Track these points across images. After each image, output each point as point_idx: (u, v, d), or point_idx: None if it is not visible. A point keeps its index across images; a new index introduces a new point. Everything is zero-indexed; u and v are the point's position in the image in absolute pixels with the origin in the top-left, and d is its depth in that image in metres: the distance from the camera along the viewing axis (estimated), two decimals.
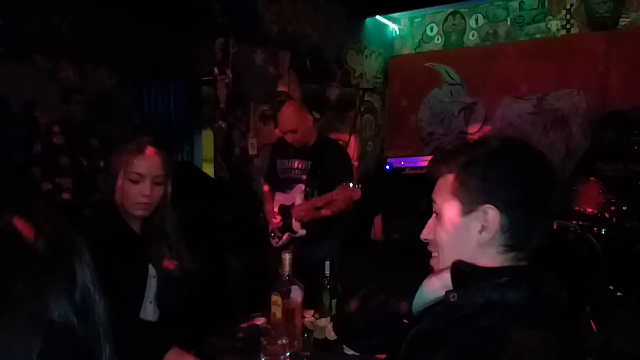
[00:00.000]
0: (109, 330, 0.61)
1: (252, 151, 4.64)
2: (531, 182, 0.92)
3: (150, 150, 1.67)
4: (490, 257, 0.93)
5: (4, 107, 4.46)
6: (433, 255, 1.03)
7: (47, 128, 4.06)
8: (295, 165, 2.94)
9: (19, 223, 0.56)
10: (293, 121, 2.81)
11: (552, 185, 0.95)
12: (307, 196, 2.86)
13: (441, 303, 0.96)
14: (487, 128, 5.70)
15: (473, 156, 0.94)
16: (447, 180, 0.98)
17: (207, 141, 6.21)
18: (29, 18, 4.60)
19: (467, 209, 0.93)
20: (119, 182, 1.65)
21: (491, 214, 0.90)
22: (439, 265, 0.99)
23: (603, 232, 3.79)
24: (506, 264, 0.93)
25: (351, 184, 2.60)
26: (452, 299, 0.92)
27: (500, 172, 0.92)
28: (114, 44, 5.11)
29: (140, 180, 1.64)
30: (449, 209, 0.96)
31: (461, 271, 0.94)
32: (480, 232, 0.92)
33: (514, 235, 0.91)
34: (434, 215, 1.03)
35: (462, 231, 0.94)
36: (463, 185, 0.94)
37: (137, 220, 1.71)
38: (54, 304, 0.55)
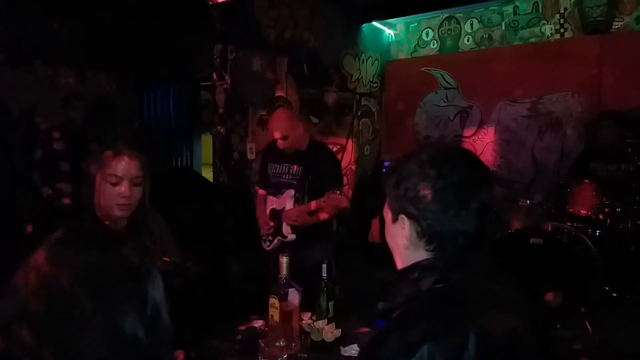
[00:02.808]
0: (171, 342, 0.68)
1: (250, 155, 4.67)
2: (435, 200, 1.01)
3: (126, 153, 1.69)
4: (420, 255, 1.04)
5: (4, 113, 4.49)
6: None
7: (47, 134, 4.08)
8: (287, 169, 2.95)
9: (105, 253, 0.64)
10: (284, 128, 2.83)
11: (463, 191, 1.02)
12: (297, 201, 2.87)
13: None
14: (483, 131, 5.75)
15: (392, 173, 1.10)
16: (387, 190, 1.13)
17: (206, 145, 6.25)
18: (29, 24, 4.63)
19: (394, 217, 1.08)
20: (97, 184, 1.68)
21: (406, 222, 1.05)
22: (398, 265, 1.12)
23: (598, 234, 3.83)
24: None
25: (339, 192, 2.62)
26: (380, 307, 1.05)
27: (407, 188, 1.04)
28: (113, 49, 5.15)
29: (119, 182, 1.67)
30: (387, 217, 1.12)
31: (387, 282, 1.10)
32: (404, 236, 1.06)
33: (431, 239, 1.02)
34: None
35: (396, 235, 1.09)
36: (389, 198, 1.10)
37: (120, 221, 1.73)
38: (128, 319, 0.62)
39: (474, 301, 0.97)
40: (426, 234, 1.02)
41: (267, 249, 3.00)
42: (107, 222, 1.70)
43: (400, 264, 1.10)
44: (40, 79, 4.76)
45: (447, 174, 1.02)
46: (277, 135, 2.84)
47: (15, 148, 4.45)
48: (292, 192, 2.91)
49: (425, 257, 1.04)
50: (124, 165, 1.67)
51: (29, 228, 3.57)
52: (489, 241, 1.11)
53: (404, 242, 1.06)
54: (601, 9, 5.11)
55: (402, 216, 1.05)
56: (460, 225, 1.00)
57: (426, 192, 1.01)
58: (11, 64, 4.53)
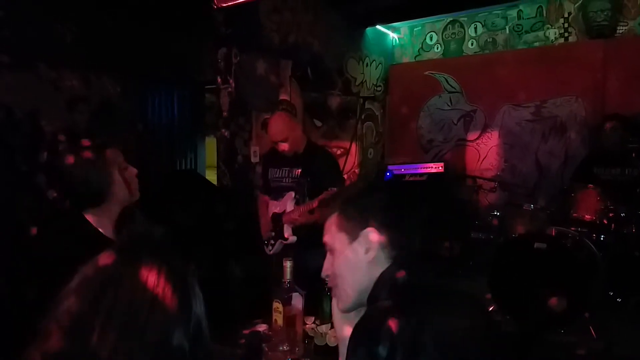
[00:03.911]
0: (213, 353, 0.73)
1: (254, 159, 4.67)
2: (398, 204, 1.14)
3: None
4: (380, 271, 1.12)
5: (8, 116, 4.51)
6: (333, 289, 1.22)
7: (53, 136, 4.10)
8: (286, 173, 3.00)
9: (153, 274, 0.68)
10: (284, 130, 2.87)
11: (417, 202, 1.17)
12: (298, 203, 2.91)
13: None
14: (487, 135, 5.74)
15: (348, 194, 1.20)
16: (332, 220, 1.20)
17: (210, 148, 6.25)
18: (33, 27, 4.66)
19: (353, 237, 1.14)
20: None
21: (372, 236, 1.11)
22: (340, 295, 1.19)
23: (602, 239, 3.82)
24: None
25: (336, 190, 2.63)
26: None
27: (371, 202, 1.14)
28: (117, 52, 5.16)
29: None
30: (339, 242, 1.16)
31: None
32: (366, 253, 1.12)
33: (394, 248, 1.11)
34: (327, 254, 1.22)
35: (353, 256, 1.14)
36: (345, 219, 1.16)
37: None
38: (175, 332, 0.66)
39: (428, 302, 1.06)
40: (396, 245, 1.12)
41: (270, 253, 3.02)
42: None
43: (351, 289, 1.16)
44: (44, 82, 4.77)
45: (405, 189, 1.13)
46: (276, 137, 2.87)
47: (19, 150, 4.47)
48: (293, 194, 2.94)
49: (379, 270, 1.11)
50: None
51: (34, 230, 3.59)
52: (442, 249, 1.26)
53: (364, 258, 1.13)
54: (605, 13, 5.11)
55: (366, 231, 1.12)
56: (415, 237, 1.12)
57: (386, 207, 1.13)
58: (15, 67, 4.55)
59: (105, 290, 0.67)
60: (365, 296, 1.15)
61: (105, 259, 0.71)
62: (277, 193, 3.02)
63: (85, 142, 1.62)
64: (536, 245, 3.54)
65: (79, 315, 0.65)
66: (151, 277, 0.68)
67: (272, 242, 3.01)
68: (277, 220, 2.97)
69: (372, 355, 0.97)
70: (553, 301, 3.40)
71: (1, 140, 4.42)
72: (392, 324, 0.99)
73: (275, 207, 3.02)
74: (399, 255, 1.13)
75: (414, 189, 5.26)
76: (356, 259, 1.14)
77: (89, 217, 1.65)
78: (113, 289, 0.67)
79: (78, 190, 1.61)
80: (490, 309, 3.68)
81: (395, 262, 1.13)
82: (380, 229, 1.12)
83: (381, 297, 1.11)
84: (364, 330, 1.03)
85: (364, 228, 1.13)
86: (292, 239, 2.93)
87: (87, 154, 1.59)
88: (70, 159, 1.58)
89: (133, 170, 1.72)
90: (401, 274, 1.10)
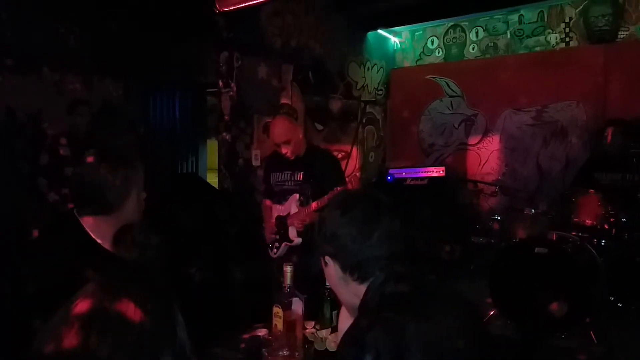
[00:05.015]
0: None
1: (255, 162, 4.68)
2: (345, 235, 1.19)
3: None
4: (353, 287, 1.20)
5: (11, 118, 4.53)
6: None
7: (54, 139, 4.11)
8: (289, 176, 3.02)
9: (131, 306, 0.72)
10: (287, 132, 2.89)
11: (365, 224, 1.19)
12: (302, 204, 2.92)
13: None
14: (488, 139, 5.74)
15: (317, 225, 1.29)
16: None
17: (211, 151, 6.27)
18: (36, 30, 4.67)
19: (324, 261, 1.26)
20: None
21: (330, 262, 1.23)
22: (341, 302, 1.33)
23: (603, 244, 3.82)
24: (363, 288, 1.19)
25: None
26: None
27: (324, 232, 1.23)
28: (119, 56, 5.18)
29: None
30: (322, 261, 1.28)
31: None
32: (334, 275, 1.24)
33: (353, 271, 1.19)
34: None
35: (329, 277, 1.28)
36: (318, 247, 1.27)
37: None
38: (164, 355, 0.71)
39: (414, 311, 1.09)
40: (347, 266, 1.19)
41: (274, 256, 3.03)
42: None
43: (341, 300, 1.29)
44: (47, 85, 4.79)
45: (349, 212, 1.20)
46: (279, 139, 2.88)
47: (21, 153, 4.48)
48: (297, 196, 2.96)
49: (356, 288, 1.19)
50: None
51: (35, 233, 3.60)
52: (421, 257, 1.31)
53: (335, 280, 1.24)
54: (606, 18, 5.12)
55: (327, 258, 1.23)
56: (371, 252, 1.17)
57: (337, 231, 1.20)
58: (18, 70, 4.57)
59: (95, 322, 0.70)
60: (357, 305, 1.20)
61: (90, 292, 0.75)
62: (281, 196, 3.04)
63: (122, 158, 1.69)
64: (537, 249, 3.54)
65: (70, 341, 0.68)
66: (137, 308, 0.72)
67: (277, 245, 3.02)
68: (282, 223, 2.98)
69: None
70: (554, 306, 3.39)
71: (3, 142, 4.43)
72: (377, 332, 1.03)
73: (279, 210, 3.03)
74: (387, 266, 1.17)
75: (413, 193, 5.26)
76: (331, 277, 1.26)
77: (91, 222, 1.65)
78: (101, 321, 0.70)
79: (93, 194, 1.63)
80: (491, 313, 3.68)
81: (385, 272, 1.17)
82: (333, 256, 1.22)
83: (370, 305, 1.15)
84: (350, 339, 1.08)
85: (324, 255, 1.25)
86: (297, 240, 2.95)
87: (119, 167, 1.65)
88: (99, 166, 1.62)
89: (144, 194, 1.78)
90: (389, 285, 1.15)
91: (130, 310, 0.71)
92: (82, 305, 0.71)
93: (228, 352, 1.81)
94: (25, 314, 1.49)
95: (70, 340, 0.67)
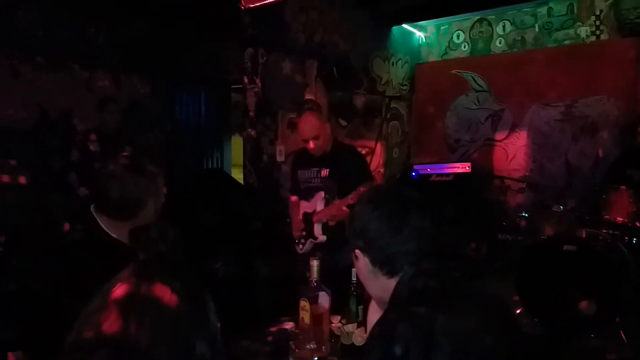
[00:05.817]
0: (226, 357, 0.81)
1: (280, 158, 4.71)
2: (375, 230, 1.23)
3: None
4: (382, 281, 1.23)
5: (43, 115, 4.65)
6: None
7: (84, 136, 4.21)
8: (315, 174, 3.01)
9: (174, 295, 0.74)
10: (316, 128, 2.89)
11: (394, 219, 1.22)
12: (327, 202, 2.92)
13: None
14: (515, 135, 5.66)
15: (349, 220, 1.32)
16: None
17: (236, 147, 6.33)
18: (67, 29, 4.79)
19: (354, 255, 1.29)
20: None
21: (359, 255, 1.27)
22: (369, 293, 1.37)
23: (634, 242, 3.73)
24: (393, 282, 1.21)
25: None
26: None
27: (355, 227, 1.27)
28: (147, 54, 5.27)
29: None
30: (352, 255, 1.31)
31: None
32: (364, 268, 1.27)
33: (383, 265, 1.22)
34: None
35: (359, 270, 1.31)
36: (349, 242, 1.31)
37: None
38: (197, 342, 0.73)
39: (443, 306, 1.10)
40: (377, 260, 1.22)
41: (300, 252, 3.05)
42: None
43: (371, 293, 1.34)
44: (78, 83, 4.91)
45: (380, 207, 1.24)
46: (309, 135, 2.88)
47: (53, 149, 4.60)
48: (322, 194, 2.95)
49: (385, 282, 1.21)
50: None
51: (67, 226, 3.69)
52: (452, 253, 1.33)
53: (365, 274, 1.27)
54: (638, 11, 4.99)
55: (357, 252, 1.27)
56: (401, 247, 1.19)
57: (367, 226, 1.23)
58: (50, 68, 4.69)
59: (134, 307, 0.72)
60: (386, 299, 1.22)
61: (125, 279, 0.76)
62: (307, 193, 3.04)
63: (148, 167, 1.69)
64: (565, 247, 3.48)
65: (110, 327, 0.70)
66: (172, 294, 0.74)
67: (303, 241, 3.04)
68: (308, 220, 2.99)
69: (387, 355, 1.01)
70: (583, 304, 3.33)
71: (37, 139, 4.56)
72: (406, 325, 1.04)
73: (306, 207, 3.04)
74: (416, 261, 1.19)
75: (438, 190, 5.22)
76: (360, 271, 1.29)
77: (105, 221, 1.67)
78: (139, 307, 0.72)
79: (110, 201, 1.64)
80: (518, 311, 3.64)
81: (414, 267, 1.18)
82: (363, 250, 1.26)
83: (400, 299, 1.16)
84: (379, 331, 1.09)
85: (354, 249, 1.28)
86: (322, 238, 2.95)
87: (140, 179, 1.64)
88: (122, 176, 1.63)
89: (162, 200, 1.78)
90: (419, 279, 1.17)
91: (167, 295, 0.72)
92: (120, 291, 0.73)
93: (255, 345, 1.83)
94: (59, 305, 1.53)
95: (111, 325, 0.68)
